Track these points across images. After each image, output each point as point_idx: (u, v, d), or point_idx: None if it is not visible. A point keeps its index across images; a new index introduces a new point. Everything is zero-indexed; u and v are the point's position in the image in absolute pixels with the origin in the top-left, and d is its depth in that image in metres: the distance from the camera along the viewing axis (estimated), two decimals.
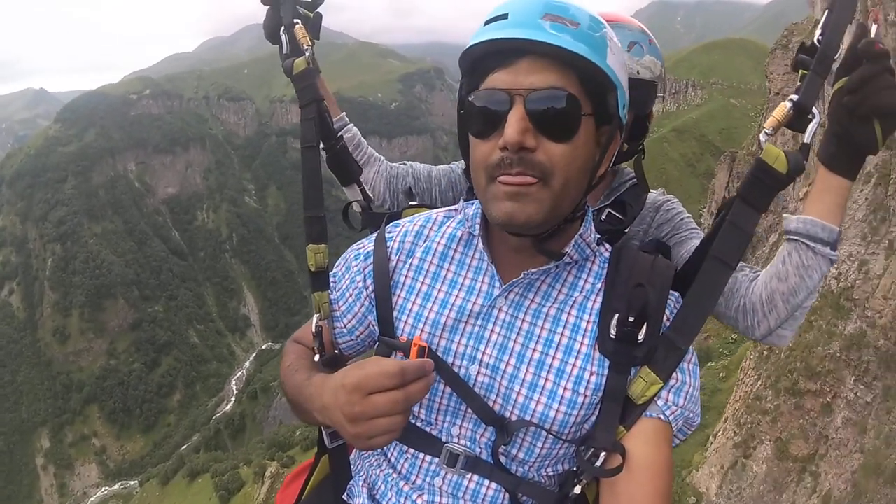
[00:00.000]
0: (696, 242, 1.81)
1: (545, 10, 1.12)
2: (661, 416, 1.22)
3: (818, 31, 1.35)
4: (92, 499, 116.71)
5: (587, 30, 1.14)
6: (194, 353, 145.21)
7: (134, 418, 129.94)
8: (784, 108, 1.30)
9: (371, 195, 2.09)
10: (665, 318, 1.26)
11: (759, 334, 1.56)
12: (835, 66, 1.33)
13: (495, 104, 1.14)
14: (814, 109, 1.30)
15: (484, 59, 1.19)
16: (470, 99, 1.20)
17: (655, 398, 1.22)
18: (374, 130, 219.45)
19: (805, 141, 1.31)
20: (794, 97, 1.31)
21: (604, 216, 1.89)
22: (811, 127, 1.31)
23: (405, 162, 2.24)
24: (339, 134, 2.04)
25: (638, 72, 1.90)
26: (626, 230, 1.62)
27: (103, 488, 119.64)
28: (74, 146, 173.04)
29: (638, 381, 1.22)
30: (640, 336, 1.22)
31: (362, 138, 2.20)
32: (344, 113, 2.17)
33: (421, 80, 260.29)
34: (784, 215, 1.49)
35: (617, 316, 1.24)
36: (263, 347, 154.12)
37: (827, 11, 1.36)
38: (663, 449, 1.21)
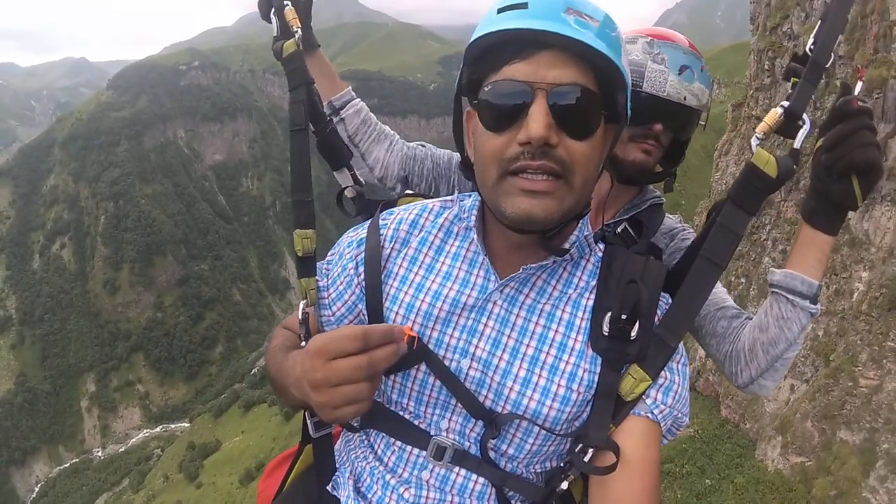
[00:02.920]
0: None
1: (567, 4, 1.09)
2: (650, 415, 1.23)
3: (810, 41, 1.37)
4: (134, 439, 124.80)
5: (605, 28, 1.11)
6: (237, 310, 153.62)
7: (177, 367, 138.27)
8: (776, 114, 1.31)
9: (380, 174, 2.06)
10: (656, 317, 1.27)
11: (741, 382, 1.58)
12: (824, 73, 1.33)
13: (515, 97, 1.09)
14: (804, 116, 1.32)
15: (498, 48, 1.13)
16: (486, 89, 1.14)
17: (644, 397, 1.23)
18: (414, 110, 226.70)
19: (795, 146, 1.32)
20: (786, 104, 1.32)
21: (619, 229, 1.88)
22: (801, 133, 1.32)
23: (424, 144, 2.15)
24: (342, 109, 2.03)
25: (685, 98, 1.81)
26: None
27: (145, 430, 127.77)
28: (127, 112, 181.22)
29: (627, 378, 1.22)
30: (633, 333, 1.22)
31: (370, 113, 2.11)
32: (349, 87, 2.10)
33: (460, 63, 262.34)
34: (769, 269, 1.51)
35: (609, 314, 1.23)
36: None
37: (820, 22, 1.37)
38: (652, 446, 1.21)
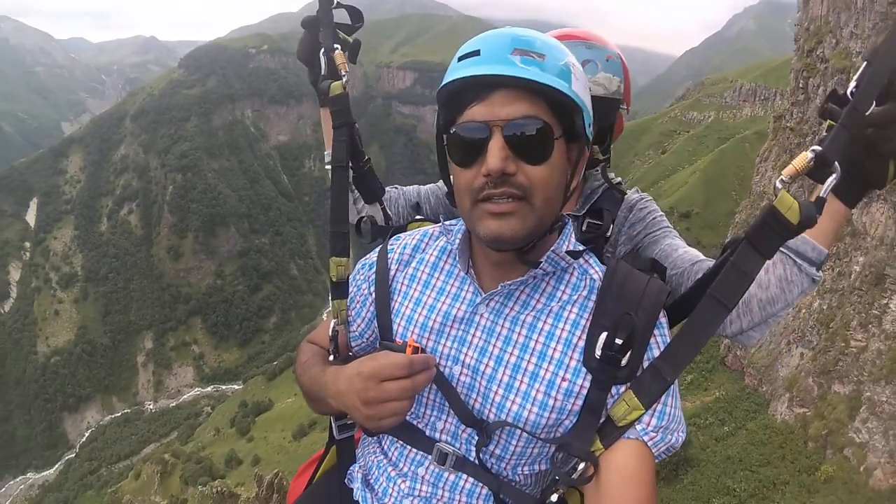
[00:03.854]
0: (669, 241, 1.90)
1: (514, 46, 1.22)
2: (640, 439, 1.27)
3: (853, 83, 1.26)
4: (185, 396, 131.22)
5: (552, 60, 1.23)
6: (293, 284, 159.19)
7: (233, 332, 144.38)
8: (805, 157, 1.21)
9: (388, 214, 2.13)
10: (653, 340, 1.30)
11: (729, 332, 1.60)
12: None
13: (475, 135, 1.23)
14: (836, 164, 1.21)
15: (460, 93, 1.27)
16: (451, 132, 1.29)
17: (636, 422, 1.26)
18: None
19: (821, 195, 1.23)
20: (818, 148, 1.20)
21: (584, 226, 1.91)
22: (830, 181, 1.21)
23: (396, 186, 2.30)
24: (367, 157, 2.06)
25: (590, 88, 1.75)
26: (609, 235, 1.65)
27: (196, 389, 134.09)
28: (197, 90, 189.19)
29: (621, 404, 1.26)
30: (624, 361, 1.27)
31: None
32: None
33: None
34: None
35: (604, 337, 1.28)
36: None
37: (865, 63, 1.26)
38: (645, 463, 1.26)
